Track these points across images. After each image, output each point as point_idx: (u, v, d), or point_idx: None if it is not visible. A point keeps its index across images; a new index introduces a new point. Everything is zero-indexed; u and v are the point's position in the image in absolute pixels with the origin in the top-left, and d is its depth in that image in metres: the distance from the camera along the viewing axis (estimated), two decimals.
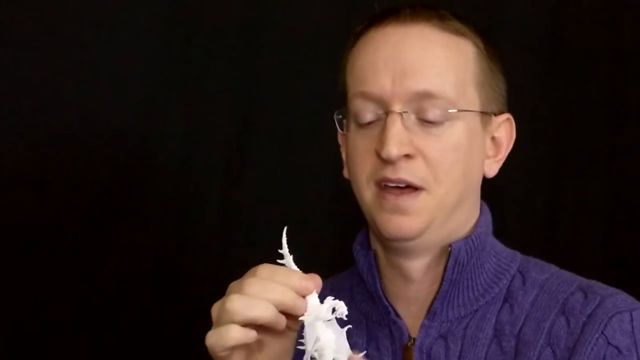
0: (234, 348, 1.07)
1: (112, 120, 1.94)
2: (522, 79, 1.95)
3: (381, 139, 1.21)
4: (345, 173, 1.31)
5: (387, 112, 1.21)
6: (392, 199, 1.21)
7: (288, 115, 1.98)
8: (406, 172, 1.21)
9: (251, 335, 1.06)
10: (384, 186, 1.22)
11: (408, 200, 1.21)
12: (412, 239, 1.22)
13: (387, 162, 1.20)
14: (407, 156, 1.21)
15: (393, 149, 1.19)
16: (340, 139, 1.33)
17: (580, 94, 1.98)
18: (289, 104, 1.98)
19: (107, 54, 1.93)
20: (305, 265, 1.93)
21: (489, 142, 1.28)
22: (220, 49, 1.98)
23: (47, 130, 1.91)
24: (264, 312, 1.05)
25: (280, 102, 1.99)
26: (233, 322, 1.06)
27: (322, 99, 1.92)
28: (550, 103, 1.99)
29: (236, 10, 1.99)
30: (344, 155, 1.31)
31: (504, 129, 1.30)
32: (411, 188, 1.21)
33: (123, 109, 1.94)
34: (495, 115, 1.28)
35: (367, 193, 1.24)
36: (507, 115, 1.30)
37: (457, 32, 1.25)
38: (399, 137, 1.20)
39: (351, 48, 1.29)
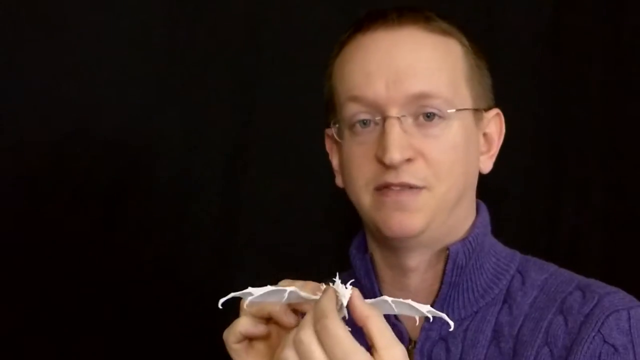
0: (245, 339, 1.09)
1: (112, 121, 1.94)
2: (522, 79, 1.95)
3: (382, 145, 1.20)
4: (338, 181, 1.31)
5: (385, 118, 1.21)
6: (393, 195, 1.21)
7: (288, 115, 1.98)
8: (408, 175, 1.21)
9: (260, 328, 1.08)
10: (384, 189, 1.22)
11: (409, 198, 1.21)
12: (415, 236, 1.22)
13: (389, 167, 1.20)
14: (408, 160, 1.21)
15: (396, 154, 1.19)
16: (329, 148, 1.32)
17: (580, 93, 1.98)
18: (289, 104, 1.98)
19: (107, 54, 1.93)
20: (305, 265, 1.94)
21: (481, 138, 1.29)
22: (220, 49, 1.98)
23: (46, 130, 1.91)
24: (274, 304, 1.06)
25: (280, 103, 1.99)
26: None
27: (322, 99, 1.92)
28: (550, 103, 1.99)
29: (236, 10, 1.99)
30: (335, 164, 1.31)
31: (494, 124, 1.30)
32: (412, 188, 1.21)
33: (123, 110, 1.94)
34: (486, 111, 1.29)
35: (365, 197, 1.24)
36: (496, 110, 1.31)
37: (444, 32, 1.26)
38: (399, 141, 1.20)
39: (337, 56, 1.29)
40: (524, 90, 1.96)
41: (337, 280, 1.01)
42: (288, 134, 1.98)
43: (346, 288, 1.01)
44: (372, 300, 1.01)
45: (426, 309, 1.01)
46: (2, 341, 1.87)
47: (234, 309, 1.91)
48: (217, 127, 1.98)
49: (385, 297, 1.02)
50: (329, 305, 0.99)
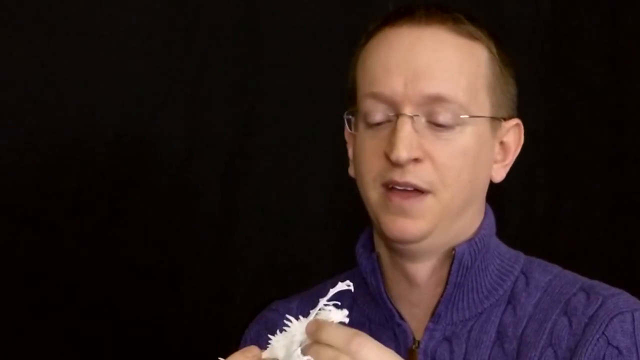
0: None
1: (112, 121, 1.94)
2: (521, 80, 1.95)
3: (391, 142, 1.20)
4: (351, 171, 1.30)
5: (398, 115, 1.21)
6: (397, 200, 1.21)
7: (288, 115, 1.98)
8: (414, 176, 1.20)
9: None
10: (390, 187, 1.21)
11: (414, 203, 1.21)
12: (416, 241, 1.22)
13: (395, 164, 1.20)
14: (416, 160, 1.20)
15: (403, 153, 1.19)
16: (347, 137, 1.32)
17: (580, 95, 1.98)
18: (289, 104, 1.98)
19: (107, 54, 1.93)
20: (305, 265, 1.94)
21: (497, 146, 1.28)
22: (220, 49, 1.98)
23: (47, 130, 1.91)
24: None
25: (281, 102, 1.99)
26: None
27: (322, 99, 1.92)
28: (550, 104, 1.99)
29: (236, 10, 1.99)
30: (350, 153, 1.30)
31: (513, 134, 1.29)
32: (418, 191, 1.21)
33: (123, 109, 1.94)
34: (505, 120, 1.28)
35: (373, 193, 1.23)
36: (516, 121, 1.30)
37: (471, 36, 1.25)
38: (409, 140, 1.19)
39: (363, 46, 1.28)
40: (524, 90, 1.95)
41: (325, 310, 1.02)
42: (288, 134, 1.98)
43: (330, 310, 1.02)
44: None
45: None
46: (2, 341, 1.87)
47: (234, 311, 1.92)
48: (217, 127, 1.98)
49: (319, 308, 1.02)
50: (341, 332, 0.99)
